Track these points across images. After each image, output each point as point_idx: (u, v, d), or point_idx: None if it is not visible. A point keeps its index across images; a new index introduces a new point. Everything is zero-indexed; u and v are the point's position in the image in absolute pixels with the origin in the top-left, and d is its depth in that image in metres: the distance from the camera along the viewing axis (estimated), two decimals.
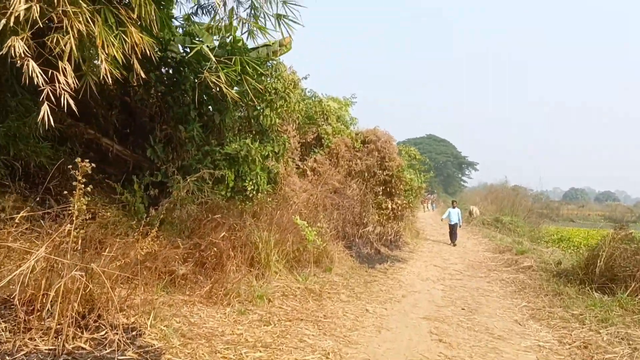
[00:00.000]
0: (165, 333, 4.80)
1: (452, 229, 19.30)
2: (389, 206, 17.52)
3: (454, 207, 19.68)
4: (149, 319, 4.95)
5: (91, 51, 6.02)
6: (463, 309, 7.84)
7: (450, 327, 6.61)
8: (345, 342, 5.59)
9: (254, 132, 12.15)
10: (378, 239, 15.13)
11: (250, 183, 10.54)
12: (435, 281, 10.70)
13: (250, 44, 10.35)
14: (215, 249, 7.21)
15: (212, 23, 10.80)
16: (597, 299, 8.24)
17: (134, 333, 4.72)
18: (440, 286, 10.08)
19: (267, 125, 11.72)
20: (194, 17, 11.59)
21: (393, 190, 17.69)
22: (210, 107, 11.04)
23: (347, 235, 13.23)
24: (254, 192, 10.58)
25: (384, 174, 16.84)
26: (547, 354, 5.65)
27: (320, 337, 5.65)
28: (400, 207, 17.97)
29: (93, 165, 4.69)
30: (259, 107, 11.40)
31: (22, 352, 3.82)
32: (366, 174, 16.22)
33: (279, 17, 9.07)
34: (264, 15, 9.41)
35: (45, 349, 3.92)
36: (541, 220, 31.33)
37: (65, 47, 4.99)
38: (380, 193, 17.12)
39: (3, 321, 4.14)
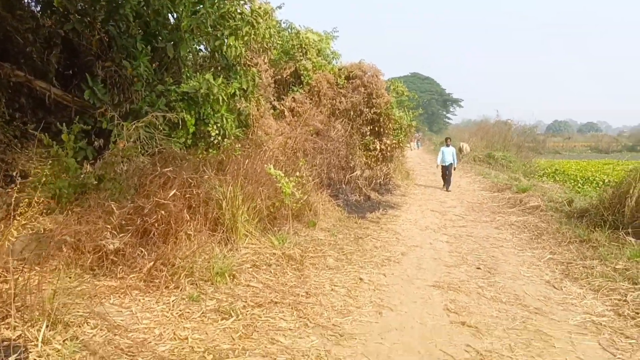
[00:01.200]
0: (63, 354, 3.14)
1: (446, 171, 16.31)
2: (378, 147, 15.82)
3: (447, 146, 16.64)
4: (41, 329, 3.28)
5: None
6: (479, 269, 6.31)
7: (470, 299, 5.06)
8: (336, 337, 4.00)
9: (219, 67, 10.19)
10: (367, 184, 13.52)
11: (215, 127, 8.71)
12: (436, 230, 9.17)
13: None
14: (163, 212, 5.50)
15: None
16: (637, 246, 6.73)
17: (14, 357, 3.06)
18: (443, 237, 8.55)
19: (232, 58, 9.75)
20: None
21: (381, 130, 15.93)
22: (161, 37, 9.04)
23: (333, 182, 11.57)
24: (220, 138, 8.77)
25: (372, 112, 15.01)
26: (611, 336, 4.12)
27: (300, 331, 4.05)
28: (389, 148, 16.28)
29: None
30: (221, 36, 9.38)
31: None
32: (352, 113, 14.39)
33: None
34: None
35: None
36: (531, 154, 29.97)
37: None
38: (368, 133, 15.37)
39: None
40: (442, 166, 16.26)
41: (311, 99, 14.06)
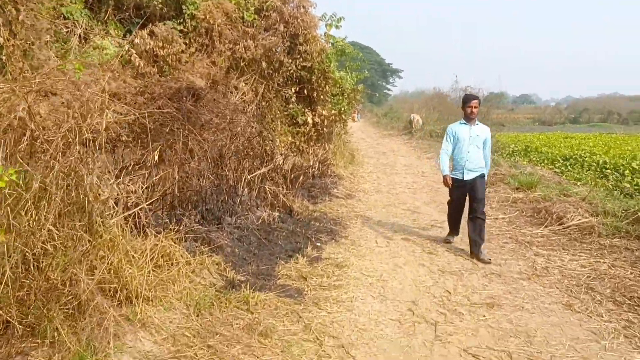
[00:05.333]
0: None
1: (465, 194, 5.73)
2: (310, 120, 10.24)
3: (471, 121, 5.59)
4: None
5: None
6: None
7: None
8: None
9: None
10: (290, 180, 7.90)
11: None
12: (435, 322, 3.74)
13: None
14: None
15: None
16: None
17: None
18: None
19: None
20: None
21: (315, 94, 10.32)
22: None
23: (219, 190, 5.86)
24: None
25: (298, 65, 9.35)
26: None
27: None
28: (326, 121, 10.72)
29: None
30: None
31: None
32: (265, 66, 8.63)
33: None
34: None
35: None
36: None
37: None
38: (293, 99, 9.71)
39: None
40: (457, 180, 5.66)
41: (196, 41, 8.19)
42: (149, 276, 3.41)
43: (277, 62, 8.81)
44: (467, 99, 5.67)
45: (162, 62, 7.08)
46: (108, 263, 3.18)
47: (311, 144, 10.51)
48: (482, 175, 5.62)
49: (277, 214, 6.48)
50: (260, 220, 5.86)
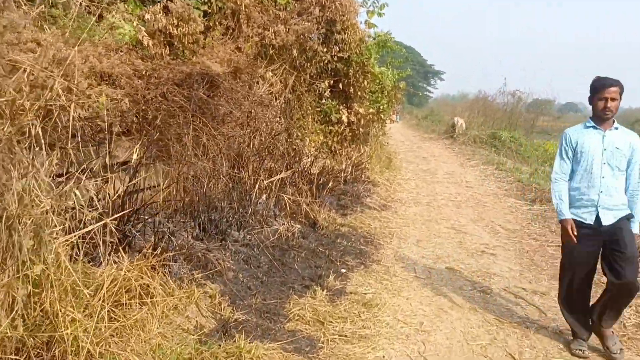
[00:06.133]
0: None
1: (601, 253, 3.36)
2: (345, 118, 9.19)
3: (605, 124, 3.35)
4: None
5: None
6: None
7: None
8: None
9: None
10: (316, 185, 6.84)
11: None
12: None
13: None
14: None
15: None
16: None
17: None
18: None
19: None
20: None
21: (351, 90, 9.26)
22: None
23: (228, 196, 4.87)
24: None
25: (334, 55, 8.31)
26: None
27: None
28: (363, 121, 9.65)
29: None
30: None
31: None
32: (297, 54, 7.62)
33: None
34: None
35: None
36: (534, 135, 23.65)
37: None
38: (327, 94, 8.67)
39: None
40: (583, 226, 3.33)
41: (221, 24, 7.26)
42: (100, 322, 2.44)
43: (310, 50, 7.78)
44: (599, 86, 3.28)
45: (177, 44, 6.16)
46: (36, 303, 2.23)
47: (345, 145, 9.48)
48: (629, 217, 3.31)
49: (298, 226, 5.46)
50: (276, 235, 4.85)
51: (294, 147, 7.37)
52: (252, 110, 6.41)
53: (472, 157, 15.23)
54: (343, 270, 4.39)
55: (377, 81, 10.18)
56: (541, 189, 9.40)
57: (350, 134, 9.40)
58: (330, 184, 7.17)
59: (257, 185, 5.22)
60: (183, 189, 4.79)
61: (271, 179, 5.50)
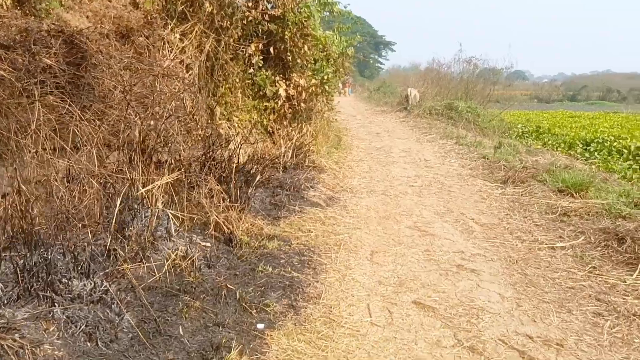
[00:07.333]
0: None
1: None
2: (282, 92, 7.54)
3: None
4: None
5: None
6: None
7: None
8: None
9: None
10: (244, 177, 5.24)
11: None
12: None
13: None
14: None
15: None
16: None
17: None
18: None
19: None
20: None
21: (289, 57, 7.59)
22: None
23: (78, 215, 3.20)
24: None
25: (265, 13, 6.60)
26: None
27: None
28: (305, 94, 8.03)
29: None
30: None
31: None
32: (211, 10, 5.85)
33: None
34: None
35: None
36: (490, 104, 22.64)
37: None
38: (256, 61, 6.97)
39: None
40: None
41: None
42: None
43: (230, 6, 6.05)
44: None
45: None
46: None
47: (284, 124, 7.87)
48: None
49: (207, 245, 3.86)
50: (165, 266, 3.23)
51: (210, 130, 5.69)
52: (150, 84, 4.72)
53: (428, 131, 13.91)
54: (260, 326, 2.84)
55: (321, 46, 8.56)
56: (511, 167, 8.15)
57: (290, 110, 7.79)
58: (260, 175, 5.55)
59: (147, 189, 3.56)
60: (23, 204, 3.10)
61: (162, 181, 3.83)
